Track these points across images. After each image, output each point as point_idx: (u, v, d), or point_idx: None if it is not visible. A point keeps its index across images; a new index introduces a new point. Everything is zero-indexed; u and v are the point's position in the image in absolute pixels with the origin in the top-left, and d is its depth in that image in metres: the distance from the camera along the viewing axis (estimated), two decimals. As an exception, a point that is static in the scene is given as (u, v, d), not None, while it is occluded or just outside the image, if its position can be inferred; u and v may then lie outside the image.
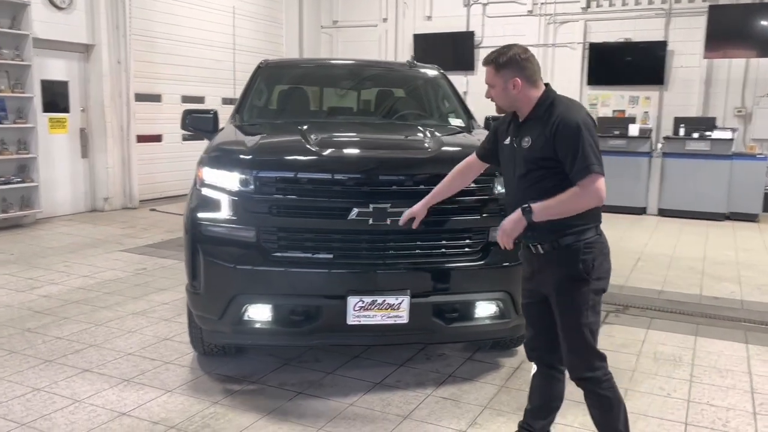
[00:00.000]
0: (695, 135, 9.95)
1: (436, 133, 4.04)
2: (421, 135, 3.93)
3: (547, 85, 2.61)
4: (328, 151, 3.50)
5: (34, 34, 8.12)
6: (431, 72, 5.39)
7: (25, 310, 4.85)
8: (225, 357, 3.97)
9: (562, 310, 2.58)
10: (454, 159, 3.70)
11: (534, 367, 2.88)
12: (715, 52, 10.46)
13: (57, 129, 8.92)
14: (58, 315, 4.76)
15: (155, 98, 10.26)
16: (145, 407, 3.34)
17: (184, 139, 10.07)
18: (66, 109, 9.05)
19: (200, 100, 10.95)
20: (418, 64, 5.55)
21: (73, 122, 9.15)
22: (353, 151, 3.75)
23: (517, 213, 2.50)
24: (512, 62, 2.54)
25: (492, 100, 2.67)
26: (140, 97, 9.87)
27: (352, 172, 3.35)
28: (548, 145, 2.48)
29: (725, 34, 10.25)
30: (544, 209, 2.47)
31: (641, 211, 10.28)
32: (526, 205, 2.48)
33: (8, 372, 3.72)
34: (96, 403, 3.37)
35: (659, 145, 10.48)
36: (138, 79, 9.76)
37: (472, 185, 3.47)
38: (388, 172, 3.37)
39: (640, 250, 7.51)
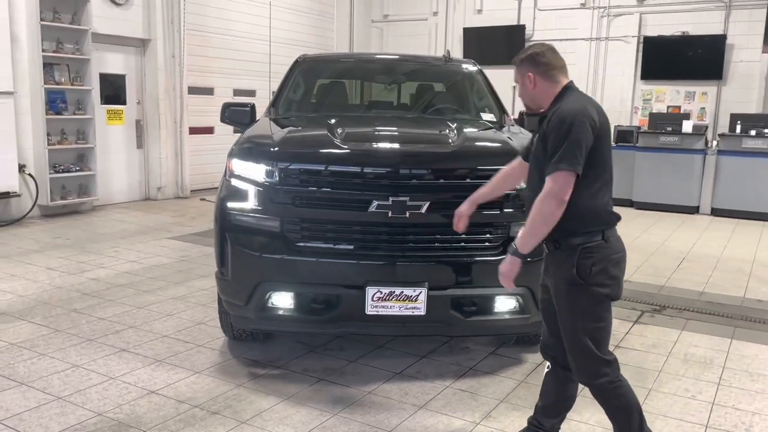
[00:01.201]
0: (752, 132, 9.56)
1: (464, 128, 4.06)
2: (447, 130, 3.96)
3: (570, 81, 2.60)
4: (350, 145, 3.58)
5: (94, 29, 8.51)
6: (466, 66, 5.39)
7: (74, 292, 5.14)
8: (254, 342, 4.12)
9: (559, 311, 2.60)
10: (475, 154, 3.76)
11: (547, 365, 2.87)
12: (777, 46, 10.01)
13: (114, 120, 9.33)
14: (104, 297, 5.03)
15: (208, 91, 10.59)
16: (173, 386, 3.51)
17: (235, 131, 10.32)
18: (123, 102, 9.46)
19: (251, 93, 11.22)
20: (454, 58, 5.56)
21: (129, 114, 9.56)
22: (375, 144, 3.82)
23: (508, 255, 2.55)
24: (528, 58, 2.58)
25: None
26: (193, 90, 10.22)
27: (372, 166, 3.42)
28: (545, 142, 2.47)
29: (787, 26, 9.79)
30: (524, 238, 2.49)
31: (693, 210, 9.96)
32: (511, 244, 2.54)
33: (52, 349, 3.97)
34: (128, 380, 3.57)
35: (715, 143, 10.12)
36: (191, 72, 10.09)
37: (494, 180, 3.50)
38: (408, 166, 3.41)
39: (686, 250, 7.31)
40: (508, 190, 3.13)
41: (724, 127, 10.54)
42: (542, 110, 2.61)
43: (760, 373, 3.89)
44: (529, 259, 3.51)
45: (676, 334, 4.56)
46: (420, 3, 13.62)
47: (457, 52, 13.00)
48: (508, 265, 2.54)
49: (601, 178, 2.53)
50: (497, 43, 12.67)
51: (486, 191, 3.05)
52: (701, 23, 10.98)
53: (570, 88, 2.58)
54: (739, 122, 9.85)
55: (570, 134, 2.36)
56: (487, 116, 4.80)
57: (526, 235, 2.47)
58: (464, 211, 3.03)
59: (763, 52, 10.23)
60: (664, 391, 3.64)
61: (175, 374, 3.67)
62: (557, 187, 2.37)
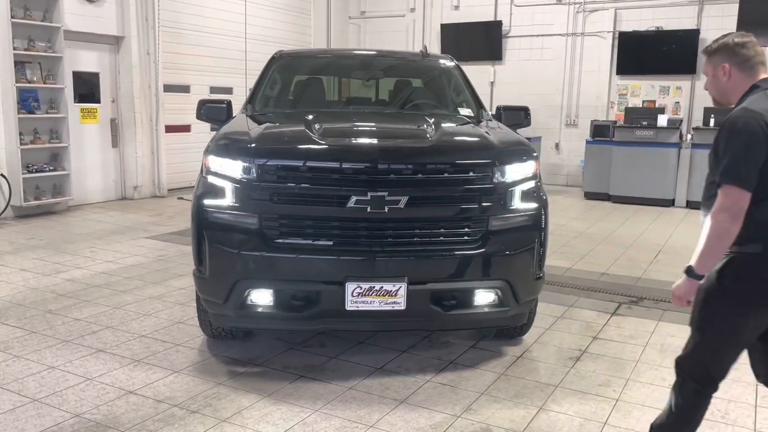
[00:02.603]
0: (726, 125, 9.69)
1: (442, 124, 4.07)
2: (425, 125, 3.96)
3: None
4: (328, 140, 3.57)
5: (66, 26, 8.37)
6: (444, 62, 5.41)
7: (49, 293, 5.06)
8: (233, 340, 4.09)
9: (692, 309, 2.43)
10: (453, 149, 3.78)
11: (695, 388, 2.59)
12: (748, 40, 10.16)
13: (88, 119, 9.20)
14: (80, 298, 4.95)
15: (184, 89, 10.48)
16: (151, 386, 3.48)
17: (212, 129, 10.23)
18: (97, 100, 9.33)
19: (228, 90, 11.13)
20: (431, 54, 5.57)
21: (103, 113, 9.42)
22: (352, 140, 3.81)
23: (683, 278, 2.33)
24: (725, 48, 2.39)
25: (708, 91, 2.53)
26: (169, 88, 10.10)
27: (350, 161, 3.41)
28: (715, 150, 2.30)
29: (757, 21, 9.93)
30: (701, 258, 2.27)
31: (669, 203, 10.10)
32: (688, 266, 2.31)
33: (27, 351, 3.91)
34: (106, 381, 3.52)
35: (689, 136, 10.27)
36: (167, 70, 9.98)
37: (471, 174, 3.52)
38: (386, 161, 3.41)
39: (662, 243, 7.41)
40: None
41: (698, 120, 10.70)
42: (731, 106, 2.41)
43: (737, 362, 3.95)
44: (507, 253, 3.59)
45: (653, 324, 4.62)
46: (397, -1, 13.63)
47: (434, 48, 13.01)
48: (683, 288, 2.32)
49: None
50: (475, 39, 12.74)
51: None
52: (675, 18, 11.13)
53: (758, 86, 2.35)
54: (712, 116, 10.01)
55: (739, 143, 2.18)
56: (465, 111, 4.82)
57: (703, 254, 2.26)
58: None
59: (735, 47, 10.37)
60: (642, 380, 3.68)
61: (154, 374, 3.63)
62: (729, 203, 2.19)
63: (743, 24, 10.03)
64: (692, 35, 10.89)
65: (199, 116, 4.75)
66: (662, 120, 10.28)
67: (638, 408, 3.34)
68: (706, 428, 3.14)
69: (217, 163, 3.57)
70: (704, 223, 2.32)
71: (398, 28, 13.63)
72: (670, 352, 4.11)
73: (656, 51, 11.21)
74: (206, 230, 3.53)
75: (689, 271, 2.31)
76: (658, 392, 3.53)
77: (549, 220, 3.80)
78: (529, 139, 11.08)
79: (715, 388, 2.49)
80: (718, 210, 2.22)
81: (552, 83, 12.27)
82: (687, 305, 2.39)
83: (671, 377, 3.70)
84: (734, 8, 10.26)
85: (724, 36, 2.44)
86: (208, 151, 3.67)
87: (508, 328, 4.09)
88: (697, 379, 2.48)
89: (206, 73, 10.80)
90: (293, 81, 5.22)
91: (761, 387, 3.56)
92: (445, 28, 13.03)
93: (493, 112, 4.95)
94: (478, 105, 4.90)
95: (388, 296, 3.37)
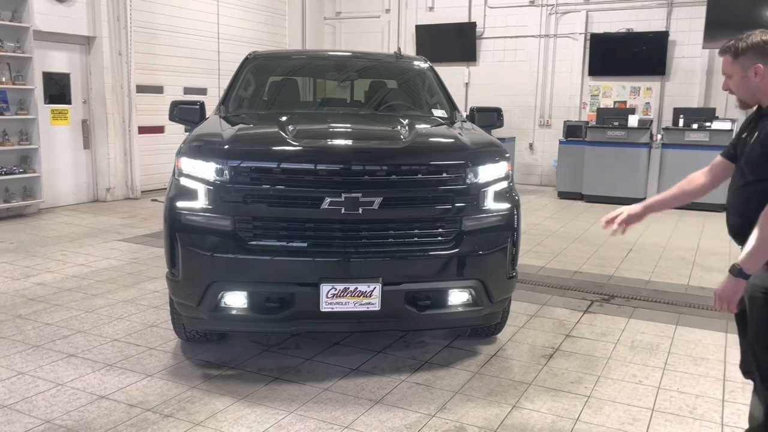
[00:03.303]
0: (694, 126, 9.91)
1: (416, 125, 4.09)
2: (399, 126, 3.98)
3: None
4: (301, 142, 3.57)
5: (35, 26, 8.23)
6: (418, 63, 5.44)
7: (18, 298, 4.97)
8: (207, 343, 4.06)
9: (750, 321, 2.35)
10: (427, 150, 3.80)
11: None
12: (715, 42, 10.36)
13: (59, 120, 9.05)
14: (50, 302, 4.88)
15: (157, 90, 10.36)
16: (124, 391, 3.44)
17: (186, 130, 10.14)
18: (68, 101, 9.18)
19: (202, 91, 11.03)
20: (405, 55, 5.59)
21: (74, 114, 9.28)
22: (326, 141, 3.82)
23: (728, 277, 2.22)
24: (756, 48, 2.30)
25: (730, 92, 2.44)
26: (142, 89, 9.99)
27: (324, 162, 3.41)
28: (764, 146, 2.23)
29: (725, 23, 10.15)
30: (750, 256, 2.18)
31: (640, 202, 10.23)
32: (733, 265, 2.21)
33: (-4, 356, 3.85)
34: (77, 386, 3.48)
35: (659, 136, 10.45)
36: (139, 70, 9.87)
37: (445, 175, 3.55)
38: (360, 162, 3.42)
39: (633, 241, 7.53)
40: (696, 199, 2.76)
41: (667, 121, 10.89)
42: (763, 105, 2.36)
43: (703, 357, 4.05)
44: (480, 253, 3.62)
45: (624, 322, 4.70)
46: (372, 0, 13.63)
47: (410, 50, 13.08)
48: (731, 288, 2.20)
49: None
50: (449, 41, 12.81)
51: (667, 199, 2.77)
52: (645, 20, 11.32)
53: None
54: (681, 116, 10.20)
55: None
56: (439, 112, 4.85)
57: (753, 253, 2.17)
58: (637, 212, 2.80)
59: (703, 48, 10.60)
60: (613, 377, 3.74)
61: (126, 378, 3.60)
62: None
63: (711, 26, 10.26)
64: (661, 37, 11.08)
65: (172, 117, 4.71)
66: (633, 120, 10.45)
67: (609, 404, 3.40)
68: (675, 423, 3.21)
69: (189, 164, 3.55)
70: (758, 223, 2.21)
71: (373, 29, 13.65)
72: (640, 348, 4.19)
73: (627, 52, 11.40)
74: (179, 233, 3.51)
75: (737, 271, 2.19)
76: (628, 388, 3.59)
77: (521, 220, 3.84)
78: (503, 139, 11.24)
79: None
80: None
81: (526, 84, 12.39)
82: (733, 310, 2.25)
83: (641, 373, 3.80)
84: (702, 10, 10.47)
85: (748, 34, 2.33)
86: (180, 153, 3.64)
87: (482, 327, 4.12)
88: None
89: (180, 73, 10.70)
90: (267, 82, 5.20)
91: (728, 382, 3.67)
92: (420, 29, 13.09)
93: (468, 113, 4.98)
94: (452, 106, 4.93)
95: (363, 297, 3.38)
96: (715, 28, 10.24)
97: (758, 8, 10.05)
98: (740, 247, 2.32)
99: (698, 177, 2.71)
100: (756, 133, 2.30)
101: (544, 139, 12.37)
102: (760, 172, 2.24)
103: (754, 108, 2.44)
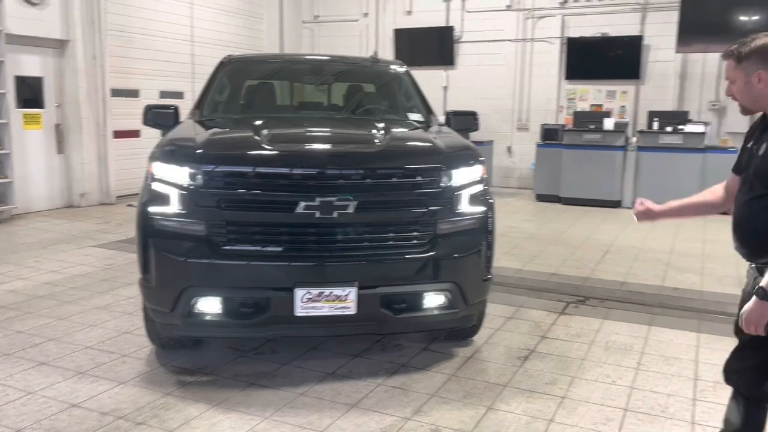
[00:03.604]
0: (668, 129, 10.05)
1: (391, 129, 4.10)
2: (374, 130, 3.98)
3: None
4: (275, 146, 3.56)
5: (7, 29, 8.11)
6: (394, 67, 5.45)
7: (-11, 305, 4.89)
8: (182, 350, 4.02)
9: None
10: (402, 154, 3.81)
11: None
12: (688, 47, 10.56)
13: (31, 125, 8.91)
14: (22, 310, 4.80)
15: (132, 93, 10.27)
16: (96, 399, 3.39)
17: (163, 134, 10.07)
18: (41, 105, 9.05)
19: (179, 95, 10.94)
20: (382, 59, 5.61)
21: (47, 118, 9.15)
22: (300, 145, 3.81)
23: (755, 300, 2.10)
24: (756, 52, 2.20)
25: (733, 98, 2.33)
26: (117, 93, 9.89)
27: (298, 166, 3.40)
28: None
29: (697, 28, 10.34)
30: None
31: (616, 204, 10.38)
32: (760, 287, 2.09)
33: (-36, 365, 3.77)
34: (48, 395, 3.42)
35: (634, 139, 10.58)
36: (114, 74, 9.77)
37: (419, 178, 3.56)
38: (334, 166, 3.42)
39: (610, 243, 7.61)
40: (712, 213, 2.65)
41: (642, 124, 11.03)
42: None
43: (676, 357, 4.10)
44: (455, 256, 3.62)
45: (599, 323, 4.75)
46: (350, 4, 13.65)
47: (388, 53, 13.10)
48: (758, 310, 2.09)
49: None
50: (427, 44, 12.86)
51: (675, 209, 2.67)
52: (619, 25, 11.45)
53: None
54: (656, 119, 10.35)
55: None
56: (415, 116, 4.87)
57: None
58: (652, 212, 2.68)
59: (676, 52, 10.76)
60: (587, 378, 3.78)
61: (99, 386, 3.55)
62: None
63: (684, 31, 10.42)
64: (636, 41, 11.23)
65: (146, 122, 4.68)
66: (608, 123, 10.57)
67: (583, 405, 3.43)
68: (647, 422, 3.25)
69: (162, 169, 3.52)
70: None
71: (352, 32, 13.66)
72: (614, 349, 4.23)
73: (602, 56, 11.53)
74: (152, 238, 3.48)
75: (763, 294, 2.08)
76: (602, 388, 3.63)
77: (495, 223, 3.87)
78: (481, 143, 11.31)
79: None
80: None
81: (503, 88, 12.48)
82: (762, 332, 2.13)
83: (615, 374, 3.84)
84: (675, 15, 10.61)
85: (752, 38, 2.23)
86: (153, 158, 3.61)
87: (458, 329, 4.13)
88: None
89: (156, 77, 10.61)
90: (243, 86, 5.18)
91: (700, 381, 3.72)
92: (398, 33, 13.12)
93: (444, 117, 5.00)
94: (428, 110, 4.95)
95: (338, 301, 3.38)
96: (688, 32, 10.42)
97: (730, 13, 10.22)
98: (751, 264, 2.26)
99: (719, 189, 2.57)
100: (765, 144, 2.19)
101: (522, 143, 12.46)
102: None
103: (758, 114, 2.35)
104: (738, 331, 2.34)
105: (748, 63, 2.21)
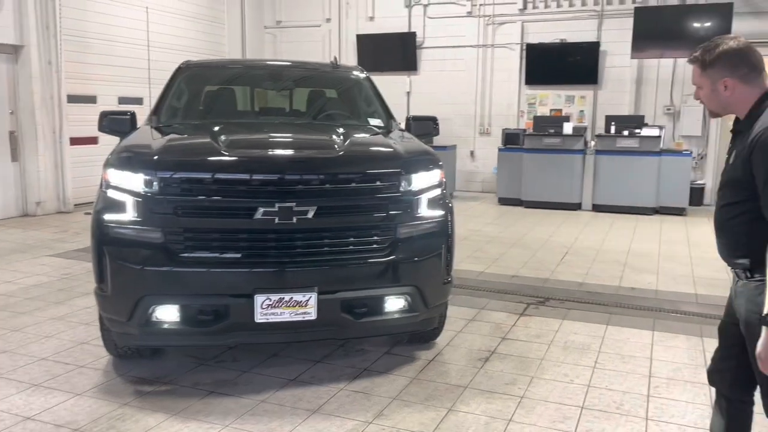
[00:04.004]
0: (625, 133, 10.30)
1: (351, 134, 4.12)
2: (334, 135, 3.99)
3: None
4: (233, 152, 3.54)
5: (-43, 34, 7.90)
6: (355, 73, 5.47)
7: (-62, 318, 4.74)
8: (140, 359, 3.96)
9: (749, 344, 2.16)
10: (361, 159, 3.82)
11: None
12: (642, 52, 10.85)
13: (-16, 132, 8.68)
14: (-26, 322, 4.67)
15: (90, 100, 10.07)
16: (51, 411, 3.32)
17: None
18: (-6, 112, 8.82)
19: (138, 101, 10.77)
20: (342, 65, 5.62)
21: (1, 125, 8.92)
22: (259, 151, 3.79)
23: (765, 333, 1.96)
24: (721, 58, 2.14)
25: (701, 102, 2.29)
26: (73, 99, 9.69)
27: (257, 172, 3.39)
28: (745, 165, 2.06)
29: (651, 34, 10.64)
30: None
31: (576, 206, 10.58)
32: (764, 316, 1.95)
33: None
34: (1, 408, 3.33)
35: (593, 143, 10.80)
36: (71, 80, 9.58)
37: (379, 183, 3.58)
38: (293, 172, 3.41)
39: (569, 245, 7.75)
40: None
41: (600, 128, 11.28)
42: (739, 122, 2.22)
43: (631, 355, 4.20)
44: (415, 260, 3.66)
45: (558, 323, 4.83)
46: (312, 9, 13.64)
47: (351, 59, 13.13)
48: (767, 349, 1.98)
49: None
50: (390, 50, 12.93)
51: None
52: (577, 31, 11.70)
53: None
54: (613, 123, 10.59)
55: None
56: (375, 121, 4.89)
57: None
58: None
59: (632, 58, 11.03)
60: (546, 377, 3.84)
61: (54, 398, 3.47)
62: None
63: (638, 37, 10.69)
64: (593, 47, 11.49)
65: (102, 128, 4.61)
66: (568, 128, 10.78)
67: (541, 404, 3.48)
68: (603, 419, 3.32)
69: (117, 176, 3.47)
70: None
71: (315, 38, 13.65)
72: (572, 349, 4.31)
73: (561, 62, 11.76)
74: (107, 246, 3.42)
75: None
76: (560, 388, 3.69)
77: (455, 226, 3.91)
78: (445, 147, 11.38)
79: None
80: None
81: (465, 93, 12.62)
82: None
83: (573, 373, 3.92)
84: (629, 22, 10.88)
85: (716, 43, 2.17)
86: (107, 165, 3.56)
87: (420, 332, 4.16)
88: None
89: (114, 83, 10.43)
90: (202, 91, 5.13)
91: (654, 378, 3.82)
92: (360, 38, 13.16)
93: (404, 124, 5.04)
94: (388, 115, 4.98)
95: (298, 307, 3.37)
96: (642, 39, 10.70)
97: (682, 20, 10.54)
98: (732, 270, 2.24)
99: None
100: (734, 152, 2.17)
101: (485, 147, 12.61)
102: (742, 192, 2.10)
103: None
104: (720, 332, 2.39)
105: (713, 71, 2.16)
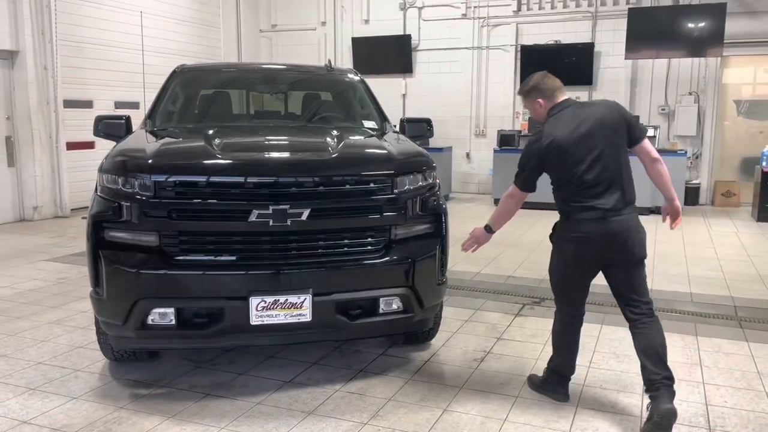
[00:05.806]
0: (620, 133, 10.30)
1: (346, 136, 4.13)
2: (328, 138, 4.01)
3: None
4: (227, 155, 3.55)
5: (-48, 40, 7.91)
6: (349, 76, 5.49)
7: (-66, 324, 4.74)
8: (136, 362, 3.97)
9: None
10: (355, 161, 3.84)
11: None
12: (636, 53, 10.90)
13: (-20, 138, 8.69)
14: (-30, 327, 4.67)
15: (86, 104, 10.09)
16: (47, 415, 3.33)
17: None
18: (-11, 118, 8.83)
19: (134, 105, 10.78)
20: (336, 68, 5.64)
21: (-3, 130, 8.94)
22: (253, 154, 3.81)
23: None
24: (534, 89, 3.41)
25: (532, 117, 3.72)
26: (70, 104, 9.71)
27: (251, 175, 3.40)
28: None
29: (644, 35, 10.68)
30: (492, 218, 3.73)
31: (572, 207, 10.57)
32: None
33: None
34: (-3, 413, 3.35)
35: (588, 143, 10.80)
36: (67, 85, 9.60)
37: (372, 185, 3.59)
38: (287, 175, 3.43)
39: (565, 245, 7.75)
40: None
41: (596, 129, 11.28)
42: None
43: (626, 354, 4.22)
44: (410, 261, 3.68)
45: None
46: (308, 13, 13.67)
47: (347, 62, 13.16)
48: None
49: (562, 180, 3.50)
50: (386, 53, 12.96)
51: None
52: (572, 32, 11.75)
53: (560, 105, 3.41)
54: (608, 124, 10.59)
55: (524, 152, 3.54)
56: (369, 124, 4.91)
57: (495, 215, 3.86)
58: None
59: (626, 58, 11.08)
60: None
61: (50, 402, 3.48)
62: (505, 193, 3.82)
63: (632, 38, 10.74)
64: (588, 48, 11.53)
65: (97, 133, 4.62)
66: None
67: (536, 403, 3.50)
68: (597, 418, 3.33)
69: (112, 180, 3.49)
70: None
71: (310, 41, 13.68)
72: (567, 348, 4.32)
73: (556, 63, 11.71)
74: (102, 250, 3.43)
75: None
76: (555, 387, 3.70)
77: (449, 227, 3.93)
78: (441, 149, 11.37)
79: None
80: None
81: (461, 95, 12.65)
82: None
83: (564, 372, 3.91)
84: (623, 23, 10.94)
85: (529, 80, 3.42)
86: (102, 169, 3.58)
87: (415, 333, 4.18)
88: None
89: (111, 87, 10.45)
90: (197, 95, 5.15)
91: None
92: (356, 41, 13.19)
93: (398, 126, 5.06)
94: (382, 117, 5.00)
95: (294, 308, 3.38)
96: (636, 39, 10.75)
97: (676, 21, 10.59)
98: None
99: None
100: None
101: (480, 149, 12.65)
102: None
103: None
104: None
105: (531, 97, 3.42)
